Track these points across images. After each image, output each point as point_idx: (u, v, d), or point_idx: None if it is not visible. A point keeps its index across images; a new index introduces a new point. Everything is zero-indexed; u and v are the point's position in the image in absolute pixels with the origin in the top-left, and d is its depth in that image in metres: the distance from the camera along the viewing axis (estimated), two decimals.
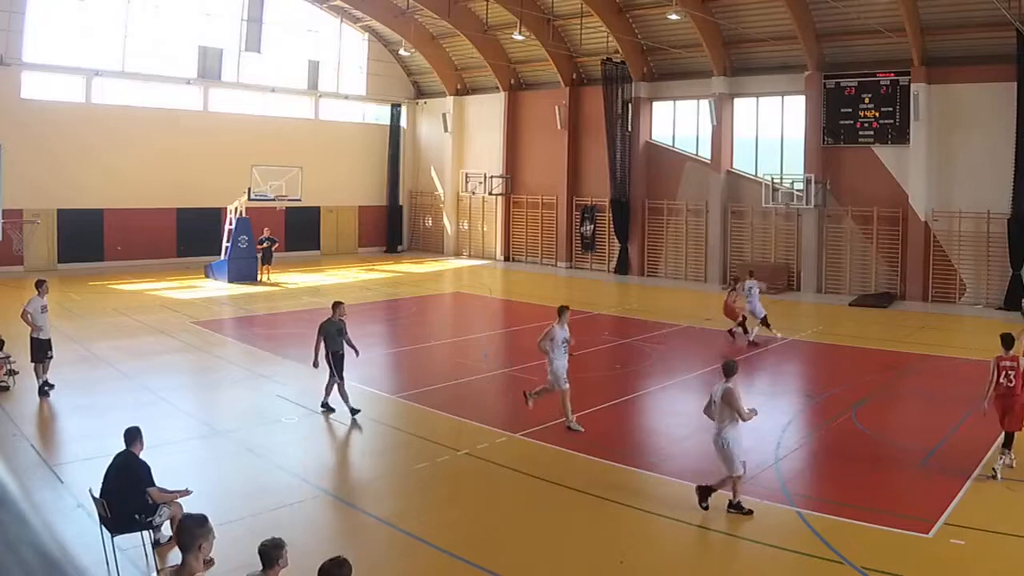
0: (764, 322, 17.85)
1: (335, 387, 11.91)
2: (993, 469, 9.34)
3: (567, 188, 32.02)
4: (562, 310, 11.69)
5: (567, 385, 11.23)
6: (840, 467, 10.09)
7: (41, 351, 12.67)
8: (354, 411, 11.73)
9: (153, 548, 7.26)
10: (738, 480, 8.32)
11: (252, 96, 32.98)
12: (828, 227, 25.61)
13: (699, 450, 11.24)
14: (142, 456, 7.50)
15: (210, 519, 5.08)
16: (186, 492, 7.48)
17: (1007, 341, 9.81)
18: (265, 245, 27.01)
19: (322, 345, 11.84)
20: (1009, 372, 9.46)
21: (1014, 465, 9.38)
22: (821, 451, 10.90)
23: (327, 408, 12.02)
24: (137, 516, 7.12)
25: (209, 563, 7.10)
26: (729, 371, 8.53)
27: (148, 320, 19.24)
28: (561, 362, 11.22)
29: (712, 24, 25.98)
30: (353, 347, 12.04)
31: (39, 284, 13.11)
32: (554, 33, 30.56)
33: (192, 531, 4.97)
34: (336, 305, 12.29)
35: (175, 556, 7.37)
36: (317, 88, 34.99)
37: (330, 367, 11.86)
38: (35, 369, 12.69)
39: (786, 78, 26.13)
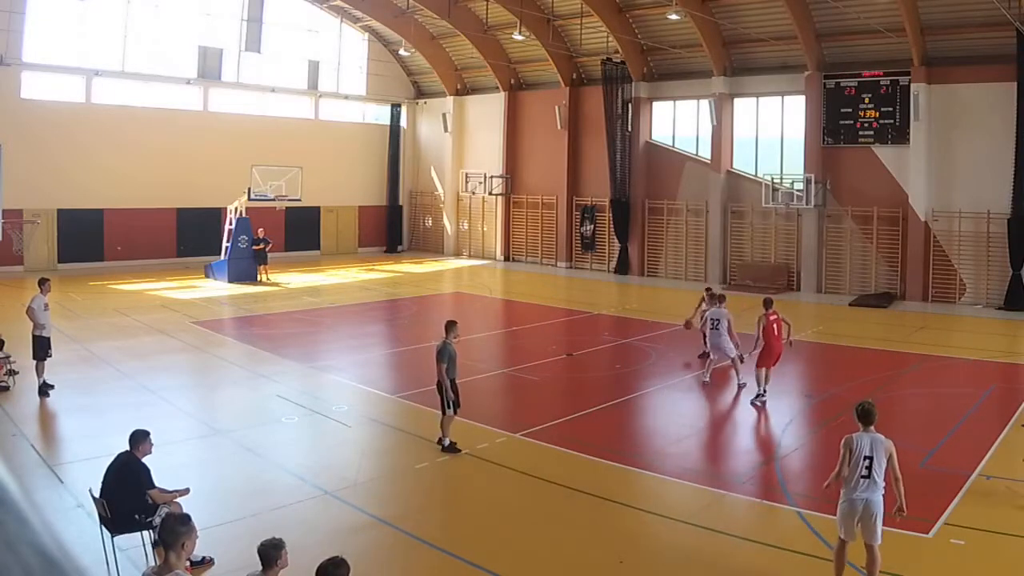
0: (736, 361, 14.14)
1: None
2: None
3: (567, 188, 32.02)
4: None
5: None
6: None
7: (43, 349, 12.70)
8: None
9: (153, 548, 7.26)
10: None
11: (252, 96, 32.97)
12: (828, 227, 25.60)
13: (699, 450, 11.26)
14: (146, 460, 7.49)
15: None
16: (185, 491, 7.48)
17: None
18: (261, 246, 27.01)
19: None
20: None
21: None
22: (821, 451, 10.88)
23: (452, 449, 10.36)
24: (137, 516, 7.12)
25: (209, 563, 7.13)
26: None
27: (148, 320, 19.24)
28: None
29: (712, 24, 25.98)
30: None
31: (42, 282, 13.18)
32: (554, 33, 30.56)
33: (175, 529, 5.00)
34: (450, 325, 10.75)
35: None
36: (317, 88, 34.99)
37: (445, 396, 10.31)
38: (36, 367, 12.70)
39: (786, 78, 26.13)
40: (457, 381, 10.53)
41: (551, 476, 9.56)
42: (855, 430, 6.89)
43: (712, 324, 14.11)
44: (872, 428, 6.78)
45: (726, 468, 10.20)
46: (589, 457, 10.25)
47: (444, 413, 10.40)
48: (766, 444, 10.86)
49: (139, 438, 7.49)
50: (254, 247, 26.78)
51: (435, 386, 10.59)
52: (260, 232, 27.09)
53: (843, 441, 6.76)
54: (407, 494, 9.32)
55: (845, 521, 6.65)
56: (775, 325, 12.82)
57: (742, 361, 13.88)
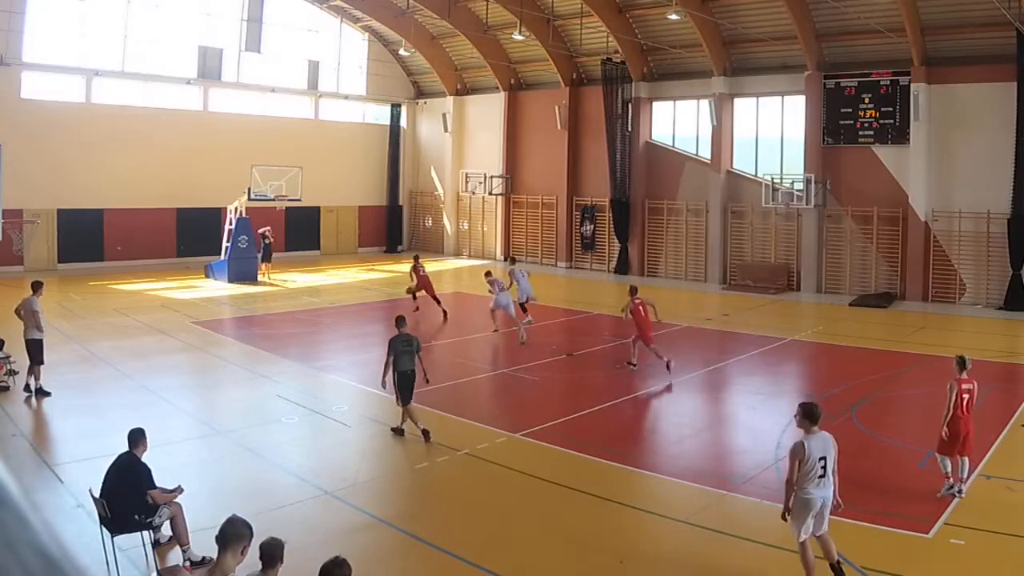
0: (523, 306, 18.94)
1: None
2: None
3: (567, 188, 32.02)
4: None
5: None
6: (840, 467, 10.05)
7: (41, 352, 12.66)
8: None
9: (153, 548, 7.27)
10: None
11: (252, 96, 32.98)
12: (828, 227, 25.60)
13: (699, 450, 11.25)
14: (144, 458, 7.50)
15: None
16: (179, 490, 7.46)
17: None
18: (267, 241, 27.27)
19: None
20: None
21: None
22: None
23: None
24: (137, 516, 7.12)
25: (209, 563, 7.12)
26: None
27: (148, 320, 19.24)
28: None
29: (712, 24, 25.98)
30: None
31: (37, 285, 13.02)
32: (554, 33, 30.56)
33: (240, 531, 4.89)
34: (399, 320, 11.47)
35: (175, 556, 7.40)
36: (317, 88, 34.99)
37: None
38: (36, 371, 12.64)
39: (786, 78, 26.13)
40: (418, 373, 10.99)
41: (551, 476, 9.56)
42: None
43: (499, 288, 18.23)
44: (816, 427, 6.90)
45: (726, 468, 10.19)
46: (589, 457, 10.25)
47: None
48: (766, 444, 10.86)
49: (138, 437, 7.49)
50: (268, 241, 27.32)
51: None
52: (268, 231, 27.46)
53: (792, 450, 6.82)
54: (407, 494, 9.32)
55: (802, 521, 6.73)
56: (641, 308, 14.92)
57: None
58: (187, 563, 7.19)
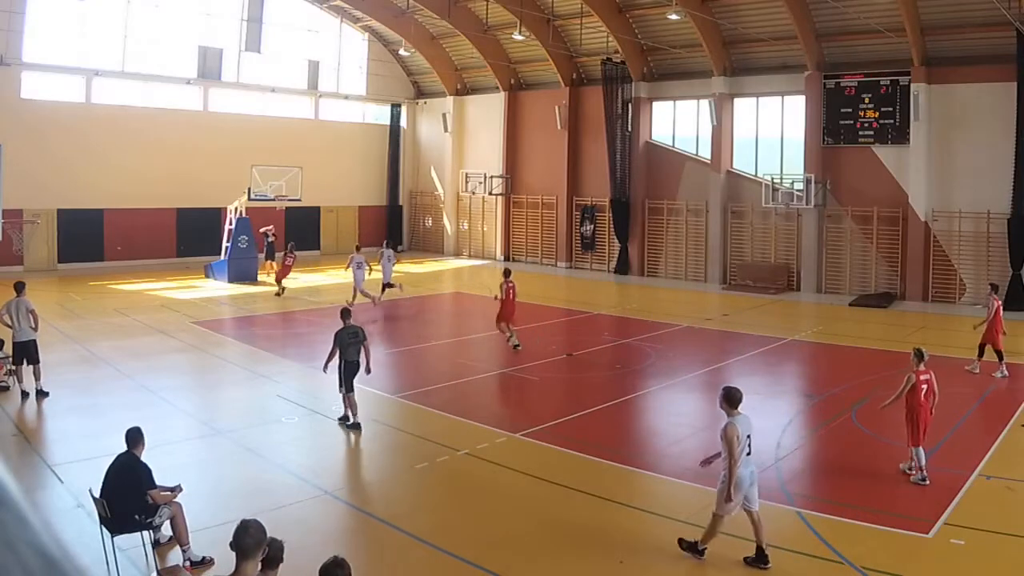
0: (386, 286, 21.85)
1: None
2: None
3: (567, 188, 32.02)
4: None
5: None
6: (840, 467, 10.09)
7: (35, 352, 12.63)
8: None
9: (153, 548, 7.26)
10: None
11: (252, 96, 32.98)
12: (828, 227, 25.60)
13: (699, 450, 11.24)
14: (144, 458, 7.49)
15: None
16: (179, 489, 7.45)
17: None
18: (270, 240, 27.43)
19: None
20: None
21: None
22: (821, 451, 10.90)
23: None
24: (137, 516, 7.11)
25: (209, 563, 7.13)
26: None
27: (148, 320, 19.24)
28: None
29: (712, 24, 25.98)
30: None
31: (20, 286, 12.80)
32: (554, 33, 30.56)
33: (259, 538, 4.83)
34: (343, 312, 12.09)
35: (175, 556, 7.39)
36: (317, 88, 34.99)
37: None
38: (34, 371, 12.62)
39: (786, 78, 26.13)
40: (362, 363, 11.49)
41: (551, 476, 9.56)
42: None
43: (358, 265, 21.13)
44: (737, 410, 7.45)
45: None
46: (589, 457, 10.25)
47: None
48: (766, 444, 10.85)
49: (137, 436, 7.46)
50: (270, 239, 27.75)
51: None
52: (270, 230, 27.80)
53: (726, 432, 7.25)
54: (407, 494, 9.31)
55: (737, 495, 7.18)
56: (511, 291, 16.72)
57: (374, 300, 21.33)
58: (187, 563, 7.19)
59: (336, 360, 11.48)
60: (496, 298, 16.93)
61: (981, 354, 14.76)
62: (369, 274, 21.70)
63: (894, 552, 7.54)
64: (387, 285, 22.09)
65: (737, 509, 7.29)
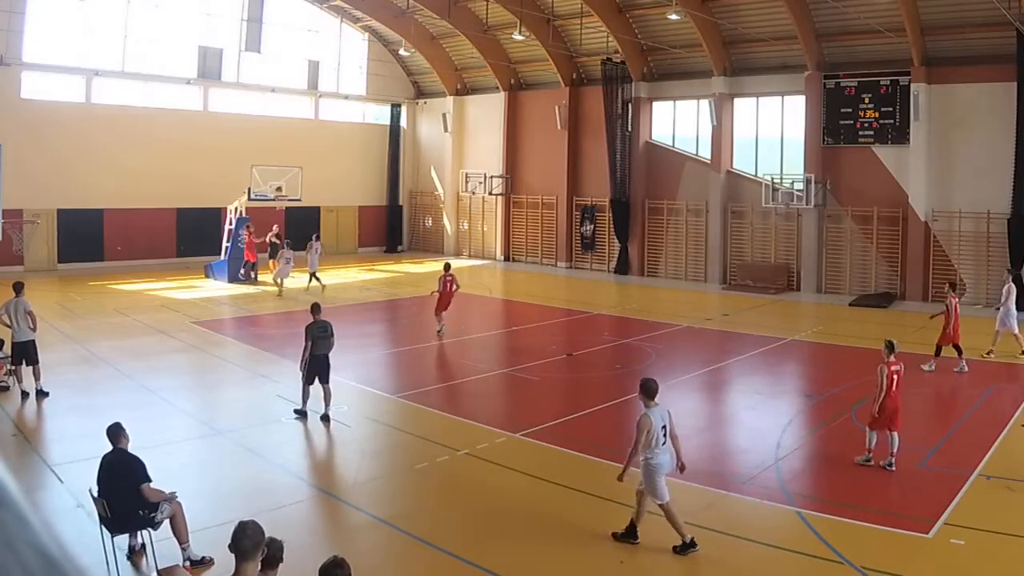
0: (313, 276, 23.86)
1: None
2: None
3: (567, 188, 32.02)
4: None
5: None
6: (840, 467, 10.09)
7: (34, 352, 12.62)
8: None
9: (128, 554, 7.23)
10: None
11: (252, 96, 32.97)
12: (828, 227, 25.60)
13: (699, 450, 11.24)
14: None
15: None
16: (173, 496, 7.35)
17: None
18: (277, 241, 27.45)
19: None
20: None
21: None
22: (821, 451, 10.90)
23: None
24: (141, 512, 7.06)
25: (209, 563, 7.12)
26: None
27: (148, 320, 19.24)
28: None
29: (712, 24, 25.98)
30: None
31: (19, 286, 12.81)
32: (554, 33, 30.56)
33: (258, 539, 4.81)
34: (314, 307, 12.35)
35: (175, 555, 7.38)
36: (317, 88, 34.99)
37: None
38: (33, 371, 12.61)
39: (786, 78, 26.13)
40: (330, 357, 11.78)
41: (551, 476, 9.56)
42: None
43: (287, 260, 23.33)
44: (653, 401, 7.81)
45: (726, 468, 10.19)
46: (589, 457, 10.25)
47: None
48: (766, 444, 10.86)
49: (118, 431, 7.36)
50: (274, 240, 27.68)
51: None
52: (275, 229, 27.92)
53: (639, 423, 7.65)
54: (407, 494, 9.32)
55: (657, 484, 7.53)
56: (450, 283, 17.79)
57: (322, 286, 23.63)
58: (187, 563, 7.18)
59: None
60: (432, 292, 18.17)
61: (938, 352, 15.03)
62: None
63: (894, 552, 7.54)
64: (314, 276, 24.09)
65: (669, 495, 7.59)
